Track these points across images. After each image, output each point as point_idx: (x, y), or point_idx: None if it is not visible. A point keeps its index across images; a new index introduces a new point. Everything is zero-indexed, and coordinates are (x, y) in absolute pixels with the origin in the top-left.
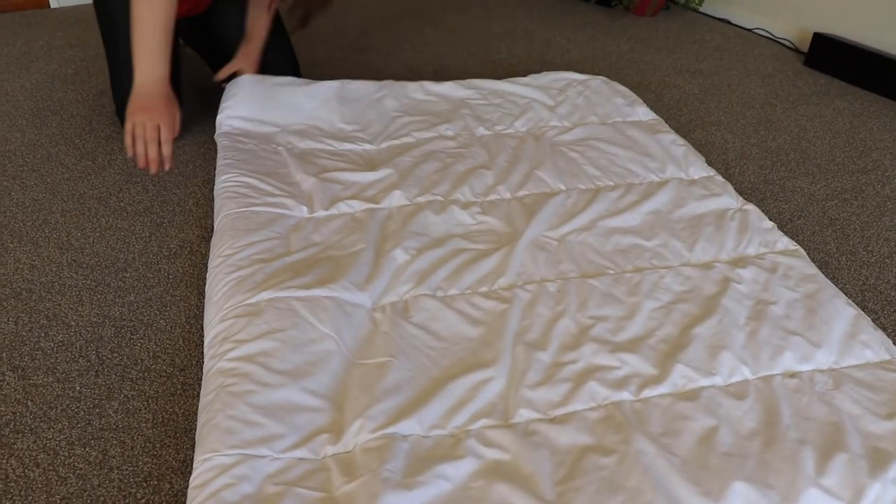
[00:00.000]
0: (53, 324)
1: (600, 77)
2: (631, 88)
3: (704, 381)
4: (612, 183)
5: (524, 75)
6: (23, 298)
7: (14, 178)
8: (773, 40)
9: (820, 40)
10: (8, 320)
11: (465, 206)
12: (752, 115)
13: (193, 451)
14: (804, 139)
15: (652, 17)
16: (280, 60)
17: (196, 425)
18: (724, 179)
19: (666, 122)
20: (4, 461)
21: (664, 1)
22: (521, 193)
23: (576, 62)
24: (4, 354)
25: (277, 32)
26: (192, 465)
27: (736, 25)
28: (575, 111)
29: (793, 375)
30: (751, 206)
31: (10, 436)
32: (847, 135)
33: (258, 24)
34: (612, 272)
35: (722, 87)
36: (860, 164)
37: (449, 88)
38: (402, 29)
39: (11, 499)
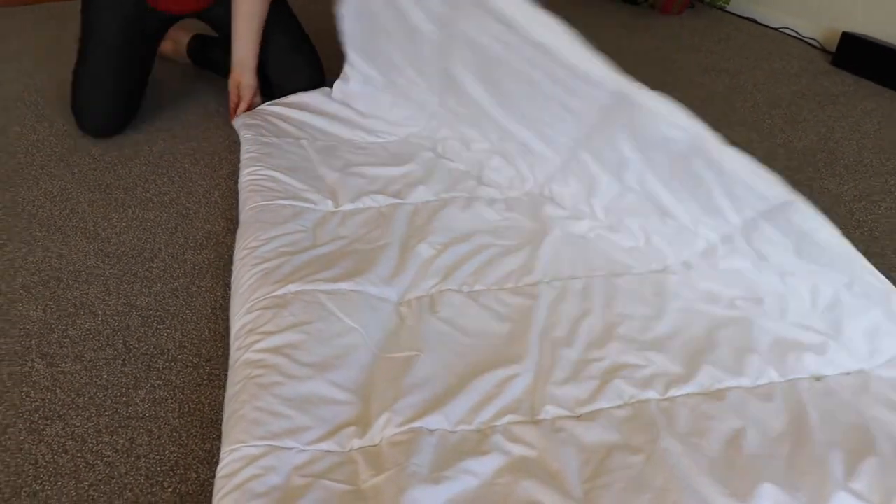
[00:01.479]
0: (81, 312)
1: None
2: (656, 87)
3: (731, 382)
4: None
5: None
6: (51, 287)
7: (42, 167)
8: (800, 39)
9: (848, 40)
10: (36, 308)
11: (491, 202)
12: (779, 114)
13: (220, 442)
14: (831, 140)
15: (678, 15)
16: (305, 68)
17: (222, 416)
18: None
19: None
20: (34, 447)
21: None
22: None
23: None
24: (33, 342)
25: (300, 39)
26: (218, 456)
27: (762, 24)
28: None
29: (820, 378)
30: None
31: (40, 422)
32: (875, 136)
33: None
34: (638, 271)
35: (748, 87)
36: (889, 165)
37: None
38: None
39: (41, 484)
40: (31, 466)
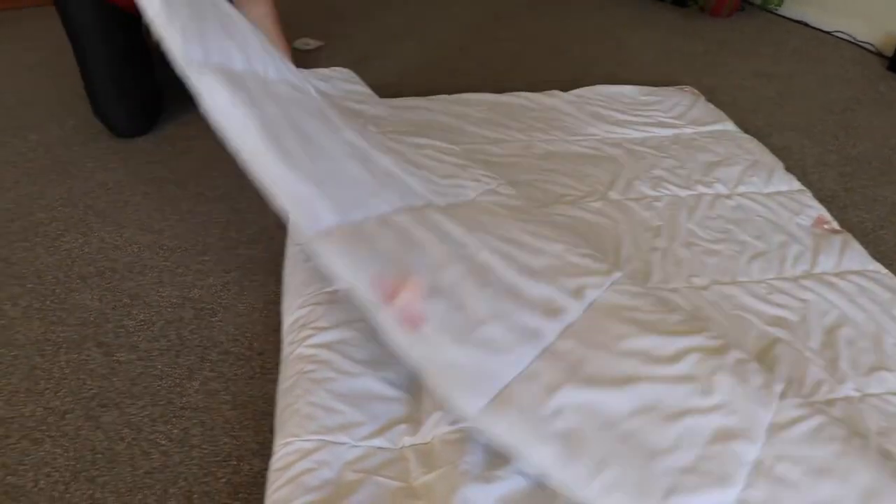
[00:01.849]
0: (136, 303)
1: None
2: (705, 91)
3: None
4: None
5: (597, 74)
6: (106, 277)
7: (97, 160)
8: (854, 44)
9: None
10: (93, 298)
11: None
12: (832, 120)
13: (272, 434)
14: (887, 146)
15: (727, 17)
16: None
17: (274, 409)
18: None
19: (741, 125)
20: (92, 433)
21: (740, 2)
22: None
23: (649, 63)
24: (90, 331)
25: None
26: (271, 448)
27: (814, 28)
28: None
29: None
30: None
31: (97, 409)
32: None
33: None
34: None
35: (799, 92)
36: None
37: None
38: (476, 25)
39: (99, 469)
40: (88, 452)
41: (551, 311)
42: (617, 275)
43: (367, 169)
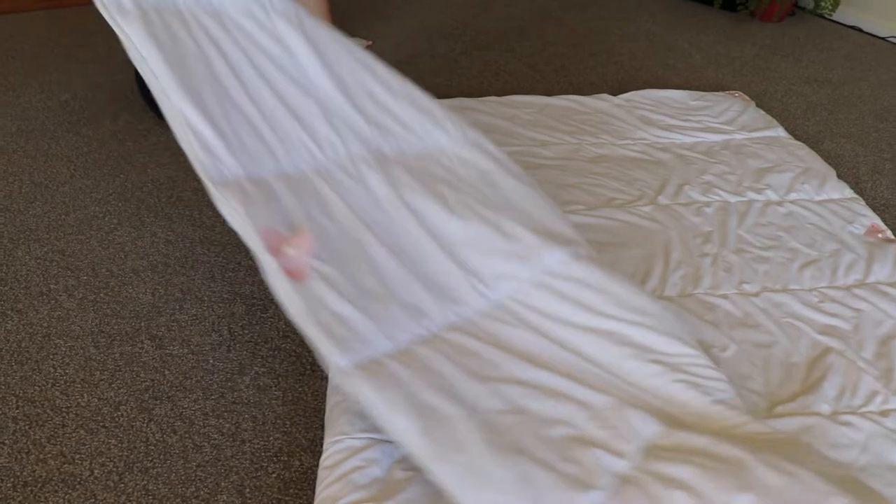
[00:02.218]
0: (188, 297)
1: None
2: (755, 96)
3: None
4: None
5: (645, 77)
6: (159, 271)
7: (150, 155)
8: None
9: None
10: (146, 291)
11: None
12: (886, 128)
13: (323, 431)
14: None
15: (778, 22)
16: None
17: (324, 406)
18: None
19: (792, 132)
20: (145, 425)
21: (791, 6)
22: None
23: (698, 67)
24: (143, 324)
25: None
26: (321, 445)
27: (868, 33)
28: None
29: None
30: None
31: (150, 402)
32: None
33: None
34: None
35: (852, 98)
36: None
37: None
38: (523, 26)
39: (152, 461)
40: (142, 444)
41: (448, 299)
42: (554, 256)
43: (301, 114)
